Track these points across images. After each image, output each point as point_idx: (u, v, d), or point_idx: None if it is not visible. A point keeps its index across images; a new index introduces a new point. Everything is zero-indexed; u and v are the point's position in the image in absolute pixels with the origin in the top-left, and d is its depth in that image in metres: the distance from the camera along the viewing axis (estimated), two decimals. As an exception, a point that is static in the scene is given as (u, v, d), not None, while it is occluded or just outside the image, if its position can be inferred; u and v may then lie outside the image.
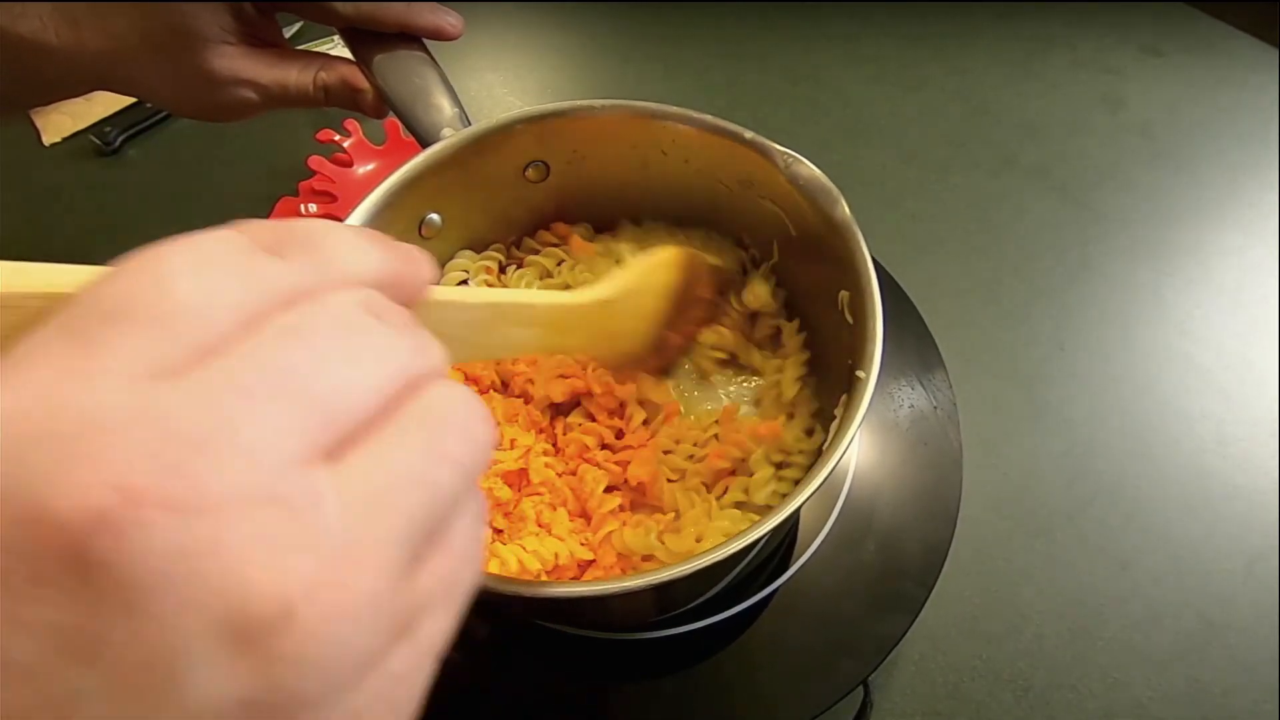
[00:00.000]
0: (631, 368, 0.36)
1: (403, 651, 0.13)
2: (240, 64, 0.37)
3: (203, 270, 0.12)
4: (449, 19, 0.39)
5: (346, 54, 0.39)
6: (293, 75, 0.39)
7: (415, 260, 0.16)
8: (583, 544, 0.33)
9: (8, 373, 0.11)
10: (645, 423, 0.36)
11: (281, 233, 0.14)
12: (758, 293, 0.38)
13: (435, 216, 0.37)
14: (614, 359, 0.35)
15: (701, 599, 0.36)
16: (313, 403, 0.12)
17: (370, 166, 0.58)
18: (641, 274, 0.33)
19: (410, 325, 0.15)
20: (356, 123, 0.59)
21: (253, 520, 0.11)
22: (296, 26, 0.66)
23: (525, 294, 0.25)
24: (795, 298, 0.39)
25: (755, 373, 0.39)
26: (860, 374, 0.28)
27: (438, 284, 0.19)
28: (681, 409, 0.37)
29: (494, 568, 0.31)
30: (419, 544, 0.13)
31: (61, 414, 0.11)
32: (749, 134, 0.34)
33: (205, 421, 0.11)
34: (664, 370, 0.38)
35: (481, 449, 0.15)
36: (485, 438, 0.15)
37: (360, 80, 0.39)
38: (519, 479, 0.35)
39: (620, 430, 0.36)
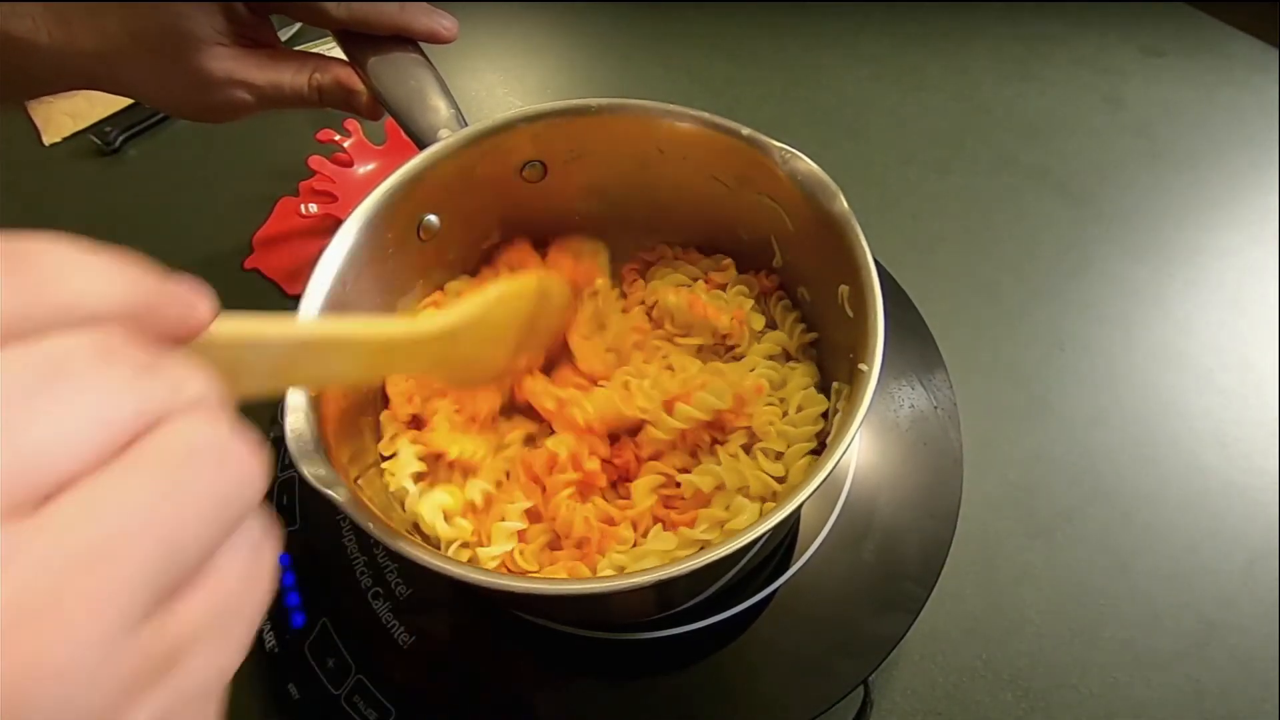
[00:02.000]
0: (472, 388, 0.35)
1: (158, 697, 0.12)
2: (233, 65, 0.37)
3: None
4: (443, 21, 0.39)
5: (342, 55, 0.39)
6: (287, 76, 0.38)
7: (176, 295, 0.15)
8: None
9: None
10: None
11: None
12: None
13: (433, 218, 0.37)
14: (456, 384, 0.34)
15: (701, 597, 0.36)
16: (5, 456, 0.11)
17: (371, 166, 0.58)
18: (493, 302, 0.32)
19: (155, 365, 0.13)
20: (357, 123, 0.59)
21: None
22: (295, 29, 0.66)
23: (349, 327, 0.23)
24: (793, 293, 0.39)
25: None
26: (863, 367, 0.28)
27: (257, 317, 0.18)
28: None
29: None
30: (162, 586, 0.12)
31: None
32: (746, 131, 0.34)
33: None
34: (504, 387, 0.37)
35: (239, 479, 0.14)
36: (241, 467, 0.14)
37: (355, 82, 0.39)
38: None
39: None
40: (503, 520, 0.33)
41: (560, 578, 0.32)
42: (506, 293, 0.33)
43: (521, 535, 0.33)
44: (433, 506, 0.33)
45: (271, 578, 0.15)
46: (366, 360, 0.25)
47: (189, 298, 0.15)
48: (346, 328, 0.24)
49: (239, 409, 0.15)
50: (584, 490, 0.34)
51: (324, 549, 0.38)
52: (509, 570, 0.33)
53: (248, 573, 0.14)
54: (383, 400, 0.36)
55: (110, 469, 0.12)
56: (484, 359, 0.33)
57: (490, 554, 0.32)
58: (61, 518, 0.11)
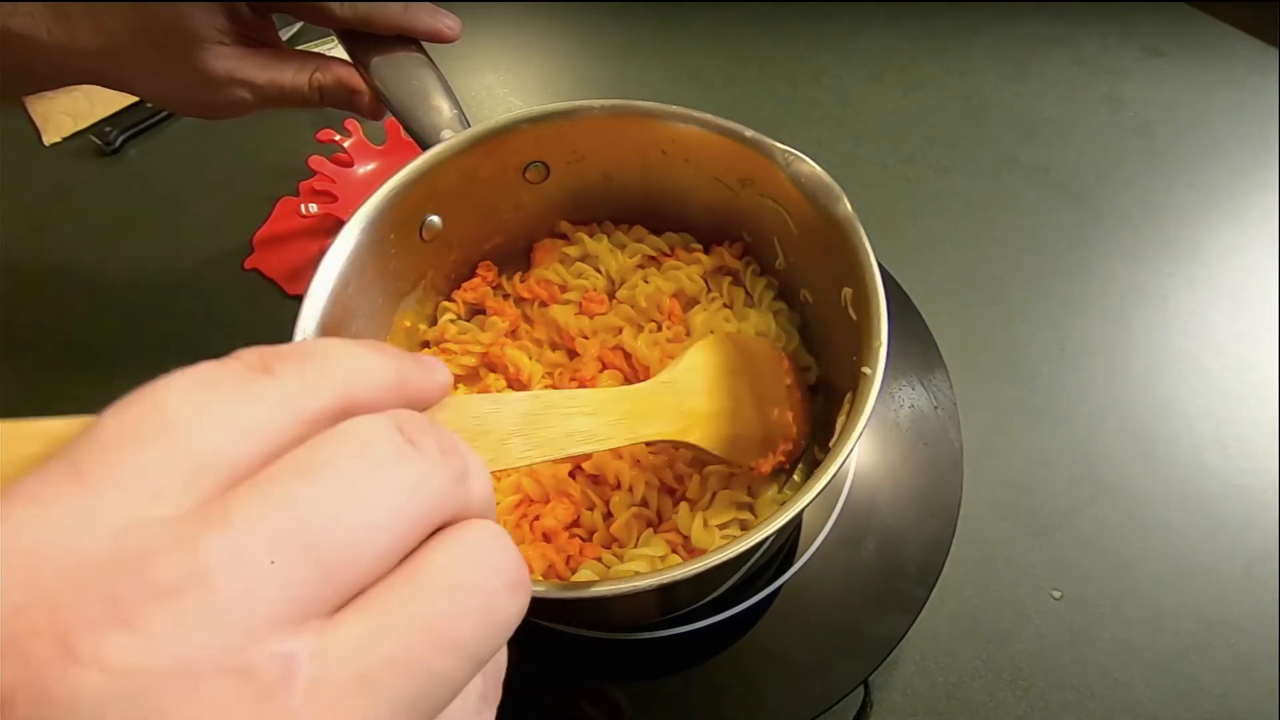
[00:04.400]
0: (749, 454, 0.34)
1: None
2: (234, 64, 0.37)
3: (198, 392, 0.12)
4: (446, 21, 0.39)
5: (344, 54, 0.39)
6: (288, 76, 0.38)
7: (421, 361, 0.15)
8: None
9: (4, 509, 0.10)
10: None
11: (269, 352, 0.13)
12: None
13: (435, 219, 0.37)
14: (719, 445, 0.32)
15: (704, 600, 0.36)
16: (314, 555, 0.11)
17: (371, 166, 0.58)
18: (692, 353, 0.33)
19: (449, 448, 0.13)
20: (357, 123, 0.59)
21: (206, 693, 0.10)
22: (296, 27, 0.66)
23: (579, 391, 0.25)
24: (795, 295, 0.39)
25: None
26: (866, 370, 0.28)
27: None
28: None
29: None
30: None
31: (43, 557, 0.10)
32: (749, 132, 0.34)
33: (184, 569, 0.10)
34: (788, 458, 0.35)
35: (500, 629, 0.13)
36: (508, 613, 0.13)
37: (356, 81, 0.39)
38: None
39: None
40: None
41: (564, 582, 0.32)
42: (704, 344, 0.34)
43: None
44: None
45: None
46: (605, 419, 0.25)
47: (430, 360, 0.16)
48: (581, 391, 0.26)
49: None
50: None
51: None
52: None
53: None
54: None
55: (402, 582, 0.12)
56: (725, 413, 0.33)
57: None
58: (349, 638, 0.11)
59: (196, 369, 0.12)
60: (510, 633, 0.13)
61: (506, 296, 0.41)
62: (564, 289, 0.40)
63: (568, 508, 0.34)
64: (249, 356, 0.13)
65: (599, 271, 0.41)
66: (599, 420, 0.25)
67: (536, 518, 0.34)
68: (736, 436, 0.33)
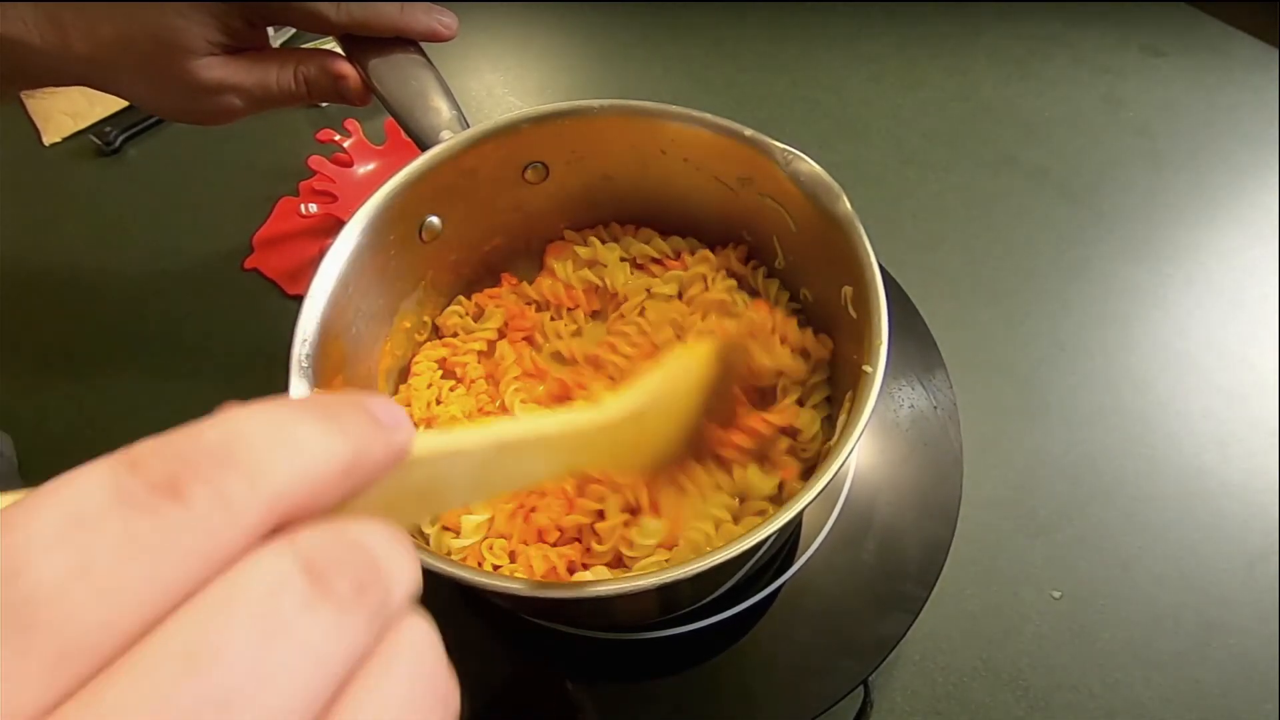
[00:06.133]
0: (662, 471, 0.33)
1: None
2: (223, 73, 0.37)
3: (66, 550, 0.09)
4: (443, 20, 0.39)
5: (328, 48, 0.39)
6: (273, 76, 0.38)
7: (380, 425, 0.13)
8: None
9: None
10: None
11: (179, 453, 0.10)
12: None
13: (435, 220, 0.37)
14: (645, 469, 0.31)
15: (704, 600, 0.36)
16: None
17: (370, 166, 0.58)
18: (674, 374, 0.30)
19: (367, 577, 0.11)
20: (356, 123, 0.59)
21: None
22: (290, 32, 0.66)
23: (537, 423, 0.22)
24: (796, 294, 0.39)
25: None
26: (867, 368, 0.28)
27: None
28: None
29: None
30: None
31: None
32: (749, 132, 0.34)
33: None
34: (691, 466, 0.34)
35: None
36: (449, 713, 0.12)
37: (341, 68, 0.39)
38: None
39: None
40: (469, 514, 0.34)
41: (564, 582, 0.32)
42: (688, 364, 0.32)
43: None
44: None
45: None
46: (563, 455, 0.24)
47: (389, 419, 0.13)
48: (542, 424, 0.22)
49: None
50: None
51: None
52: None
53: None
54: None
55: None
56: (668, 436, 0.31)
57: (459, 545, 0.33)
58: None
59: (63, 497, 0.09)
60: None
61: (529, 304, 0.41)
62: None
63: (562, 504, 0.34)
64: (146, 461, 0.10)
65: (603, 282, 0.40)
66: (548, 462, 0.23)
67: (533, 509, 0.34)
68: (658, 461, 0.31)
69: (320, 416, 0.12)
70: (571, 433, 0.24)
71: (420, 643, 0.12)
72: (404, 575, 0.12)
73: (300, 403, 0.12)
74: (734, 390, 0.34)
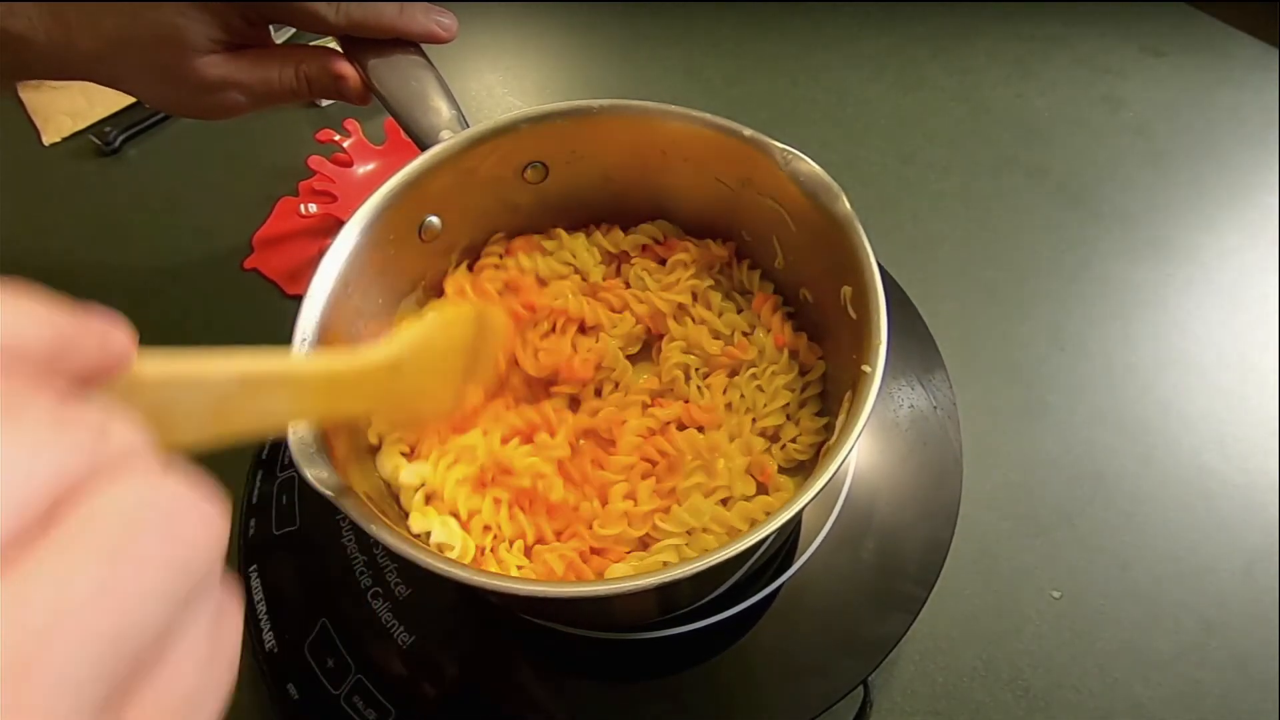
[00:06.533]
0: (418, 425, 0.34)
1: None
2: (226, 70, 0.37)
3: None
4: (442, 21, 0.39)
5: (328, 45, 0.40)
6: (274, 73, 0.39)
7: (90, 326, 0.13)
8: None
9: None
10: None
11: None
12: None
13: (435, 219, 0.37)
14: (402, 421, 0.33)
15: (704, 600, 0.36)
16: None
17: (370, 166, 0.58)
18: (435, 330, 0.31)
19: (71, 416, 0.11)
20: (356, 123, 0.59)
21: None
22: (290, 32, 0.66)
23: (290, 361, 0.21)
24: (795, 294, 0.39)
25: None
26: (866, 368, 0.28)
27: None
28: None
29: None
30: (110, 683, 0.10)
31: None
32: (748, 131, 0.34)
33: None
34: (456, 425, 0.35)
35: (192, 541, 0.12)
36: (194, 527, 0.12)
37: (341, 67, 0.39)
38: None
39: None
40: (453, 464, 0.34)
41: (564, 581, 0.32)
42: (447, 319, 0.32)
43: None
44: (410, 473, 0.33)
45: (235, 653, 0.13)
46: (310, 398, 0.24)
47: (103, 326, 0.13)
48: (287, 362, 0.22)
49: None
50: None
51: (324, 549, 0.38)
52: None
53: (209, 653, 0.12)
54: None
55: (35, 549, 0.10)
56: (429, 392, 0.32)
57: (445, 541, 0.32)
58: None
59: None
60: (215, 544, 0.12)
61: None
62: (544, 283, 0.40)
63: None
64: None
65: (572, 266, 0.40)
66: (298, 403, 0.23)
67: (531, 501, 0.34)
68: (417, 415, 0.33)
69: (37, 301, 0.12)
70: (320, 374, 0.24)
71: (151, 477, 0.12)
72: (118, 425, 0.12)
73: (17, 290, 0.12)
74: (497, 356, 0.36)
